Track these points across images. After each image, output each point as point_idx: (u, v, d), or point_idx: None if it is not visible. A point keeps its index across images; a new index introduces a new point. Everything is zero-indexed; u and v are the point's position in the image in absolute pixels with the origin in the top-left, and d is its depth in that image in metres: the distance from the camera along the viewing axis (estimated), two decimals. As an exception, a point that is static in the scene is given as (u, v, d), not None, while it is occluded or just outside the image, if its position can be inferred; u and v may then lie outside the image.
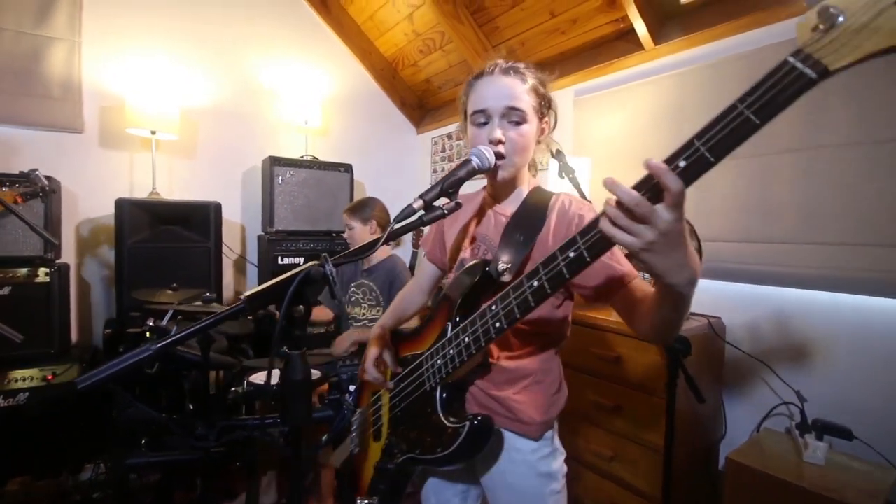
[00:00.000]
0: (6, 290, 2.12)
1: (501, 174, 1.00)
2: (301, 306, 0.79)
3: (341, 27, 3.35)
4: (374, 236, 2.29)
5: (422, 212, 0.88)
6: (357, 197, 3.17)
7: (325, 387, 1.79)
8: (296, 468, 0.81)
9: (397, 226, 0.87)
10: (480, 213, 1.13)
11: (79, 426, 2.11)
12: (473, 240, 1.10)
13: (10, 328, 0.95)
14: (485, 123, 1.00)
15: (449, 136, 3.53)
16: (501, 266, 0.94)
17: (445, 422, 0.94)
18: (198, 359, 1.59)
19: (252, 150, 3.04)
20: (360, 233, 2.23)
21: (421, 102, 3.77)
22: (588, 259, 0.69)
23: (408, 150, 3.81)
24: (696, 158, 0.56)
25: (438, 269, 1.26)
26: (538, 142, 1.04)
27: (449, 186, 0.90)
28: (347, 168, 3.08)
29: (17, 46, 2.37)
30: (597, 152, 2.44)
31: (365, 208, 2.25)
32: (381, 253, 2.25)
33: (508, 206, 1.07)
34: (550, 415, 1.03)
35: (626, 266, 0.92)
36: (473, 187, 1.17)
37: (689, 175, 0.57)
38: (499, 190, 1.08)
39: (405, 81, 3.65)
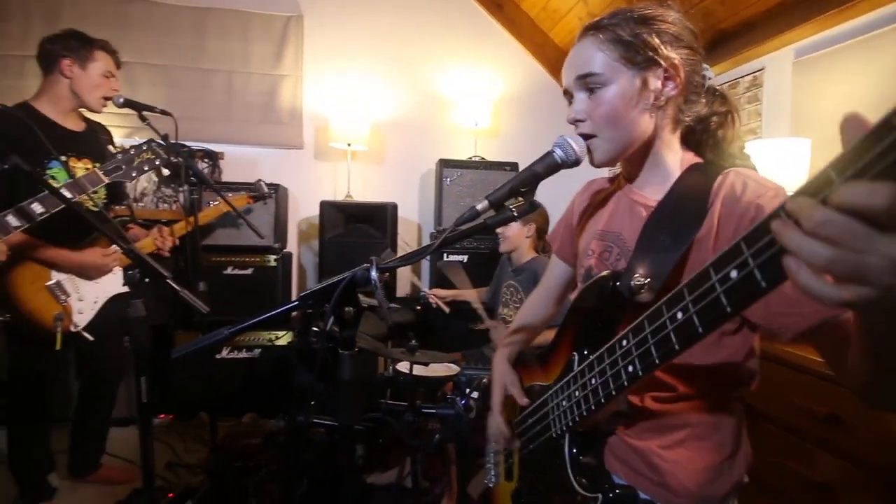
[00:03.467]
0: (249, 271, 2.82)
1: (597, 158, 0.79)
2: (350, 308, 0.82)
3: (514, 24, 3.33)
4: (529, 239, 2.24)
5: (490, 213, 0.76)
6: (524, 195, 3.13)
7: (450, 385, 1.83)
8: (345, 469, 0.85)
9: (455, 230, 0.80)
10: (616, 201, 0.88)
11: (287, 382, 2.68)
12: (603, 238, 0.87)
13: (199, 300, 1.25)
14: None
15: (631, 125, 3.15)
16: (637, 281, 0.72)
17: (575, 484, 0.76)
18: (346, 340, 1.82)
19: (428, 154, 3.29)
20: (517, 232, 2.18)
21: (600, 90, 3.47)
22: (763, 284, 0.42)
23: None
24: None
25: (571, 268, 1.03)
26: (659, 101, 0.76)
27: (521, 185, 0.76)
28: (513, 167, 3.06)
29: (261, 85, 3.12)
30: (821, 131, 1.83)
31: None
32: (528, 253, 2.19)
33: (652, 193, 0.81)
34: (717, 489, 0.75)
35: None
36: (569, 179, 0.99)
37: None
38: (634, 169, 0.84)
39: (583, 70, 3.41)
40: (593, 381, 0.70)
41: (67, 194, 1.23)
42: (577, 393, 0.74)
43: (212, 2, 3.04)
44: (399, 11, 3.27)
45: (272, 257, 2.82)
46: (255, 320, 0.81)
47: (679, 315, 0.53)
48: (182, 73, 3.03)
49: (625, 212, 0.85)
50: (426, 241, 3.40)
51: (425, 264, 3.38)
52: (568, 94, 0.82)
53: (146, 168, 1.66)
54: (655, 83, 0.76)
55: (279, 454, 2.28)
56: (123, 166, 1.60)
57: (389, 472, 2.18)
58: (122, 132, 2.71)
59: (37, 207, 1.23)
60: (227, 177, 3.06)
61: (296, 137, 3.19)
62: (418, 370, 1.76)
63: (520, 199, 0.76)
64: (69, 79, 1.76)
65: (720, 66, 2.50)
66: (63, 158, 1.71)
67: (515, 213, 0.75)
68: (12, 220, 1.15)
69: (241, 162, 3.13)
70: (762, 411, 1.46)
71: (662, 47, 0.75)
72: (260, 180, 2.53)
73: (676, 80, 0.76)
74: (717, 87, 0.83)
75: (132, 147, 1.64)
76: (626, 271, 0.74)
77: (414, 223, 3.42)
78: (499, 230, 2.21)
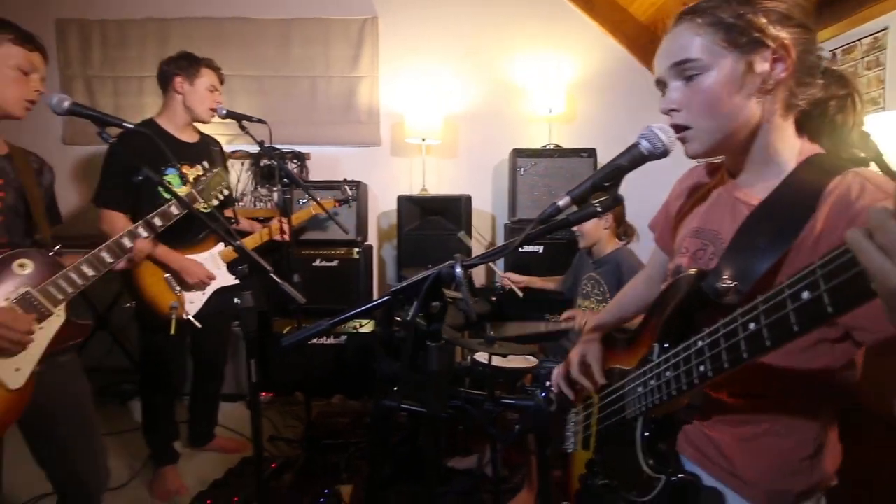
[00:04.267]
0: (335, 263, 3.01)
1: (692, 149, 0.76)
2: (437, 302, 0.86)
3: (591, 5, 3.19)
4: (607, 231, 2.16)
5: (572, 209, 0.75)
6: (603, 183, 3.02)
7: (529, 377, 1.84)
8: (430, 455, 0.90)
9: (536, 227, 0.81)
10: (717, 197, 0.85)
11: (370, 367, 2.84)
12: (698, 236, 0.84)
13: (296, 291, 1.37)
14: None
15: (723, 101, 2.90)
16: (723, 283, 0.69)
17: (643, 463, 0.80)
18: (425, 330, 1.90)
19: (501, 145, 3.27)
20: (592, 226, 2.10)
21: (686, 66, 3.23)
22: (830, 310, 0.44)
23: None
24: None
25: (670, 258, 1.02)
26: (767, 85, 0.71)
27: (604, 179, 0.73)
28: (590, 153, 2.95)
29: (340, 88, 3.29)
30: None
31: None
32: (609, 244, 2.11)
33: (757, 189, 0.76)
34: (792, 485, 0.73)
35: None
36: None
37: None
38: (738, 162, 0.79)
39: (666, 45, 3.20)
40: (667, 373, 0.72)
41: (178, 208, 1.42)
42: (651, 382, 0.77)
43: (295, 12, 3.25)
44: (470, 3, 3.28)
45: (355, 250, 2.99)
46: (351, 313, 0.89)
47: (751, 325, 0.54)
48: (271, 82, 3.29)
49: (725, 209, 0.80)
50: (500, 232, 3.40)
51: (500, 255, 3.39)
52: (661, 84, 0.79)
53: (218, 188, 1.85)
54: (762, 66, 0.70)
55: (366, 434, 2.45)
56: (205, 187, 1.80)
57: (470, 457, 2.24)
58: (224, 139, 3.00)
59: (157, 221, 1.43)
60: (313, 175, 3.29)
61: (373, 135, 3.34)
62: (497, 361, 1.79)
63: (603, 193, 0.75)
64: (181, 95, 2.00)
65: (832, 29, 2.22)
66: (177, 166, 1.94)
67: (599, 209, 0.73)
68: (141, 231, 1.35)
69: (325, 161, 3.33)
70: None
71: (770, 26, 0.69)
72: (344, 183, 2.69)
73: (787, 62, 0.70)
74: (836, 69, 0.76)
75: (207, 172, 1.85)
76: (713, 272, 0.72)
77: (488, 214, 3.43)
78: (575, 227, 2.15)
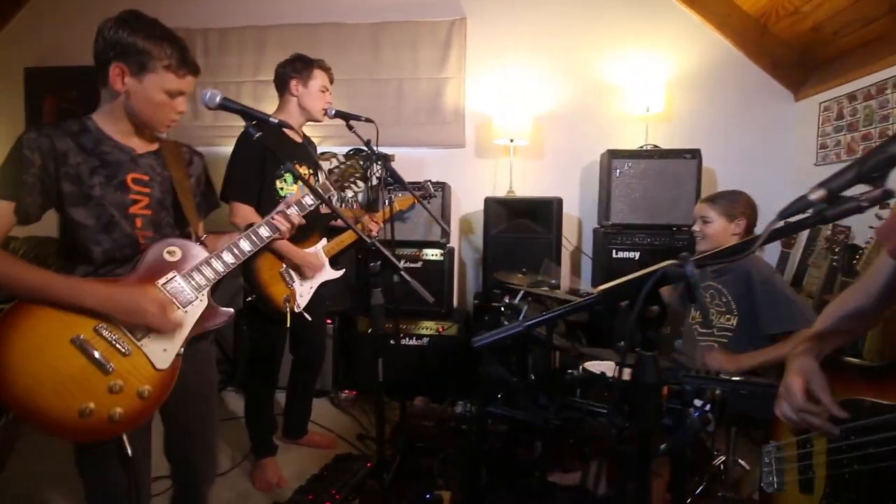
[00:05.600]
0: (419, 264, 3.00)
1: None
2: (656, 307, 0.75)
3: (693, -4, 3.01)
4: (736, 237, 1.97)
5: (822, 205, 0.63)
6: (706, 186, 2.81)
7: (665, 391, 1.70)
8: (643, 471, 0.81)
9: (780, 223, 0.66)
10: None
11: (460, 370, 2.79)
12: None
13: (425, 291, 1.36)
14: None
15: (851, 97, 2.63)
16: None
17: None
18: (542, 337, 1.82)
19: (592, 146, 3.14)
20: (720, 229, 1.90)
21: (802, 59, 2.95)
22: None
23: (780, 123, 3.07)
24: None
25: None
26: None
27: (871, 170, 0.62)
28: (694, 154, 2.76)
29: (428, 89, 3.29)
30: None
31: (734, 202, 1.89)
32: (730, 252, 1.93)
33: None
34: None
35: None
36: None
37: None
38: None
39: (779, 37, 2.94)
40: None
41: (311, 198, 1.41)
42: None
43: (385, 16, 3.30)
44: (560, 1, 3.18)
45: (439, 251, 2.96)
46: (551, 314, 0.83)
47: None
48: (360, 85, 3.34)
49: None
50: (587, 237, 3.26)
51: (586, 262, 3.25)
52: None
53: (351, 180, 1.85)
54: None
55: (458, 439, 2.39)
56: (339, 177, 1.81)
57: (572, 473, 2.12)
58: (317, 139, 3.08)
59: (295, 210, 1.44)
60: (396, 177, 3.30)
61: (458, 136, 3.31)
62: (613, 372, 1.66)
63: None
64: (296, 96, 2.05)
65: None
66: (293, 164, 1.99)
67: (865, 203, 0.61)
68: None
69: (409, 162, 3.32)
70: None
71: None
72: (427, 181, 2.68)
73: None
74: None
75: (340, 163, 1.84)
76: None
77: (574, 217, 3.30)
78: (696, 228, 1.99)
